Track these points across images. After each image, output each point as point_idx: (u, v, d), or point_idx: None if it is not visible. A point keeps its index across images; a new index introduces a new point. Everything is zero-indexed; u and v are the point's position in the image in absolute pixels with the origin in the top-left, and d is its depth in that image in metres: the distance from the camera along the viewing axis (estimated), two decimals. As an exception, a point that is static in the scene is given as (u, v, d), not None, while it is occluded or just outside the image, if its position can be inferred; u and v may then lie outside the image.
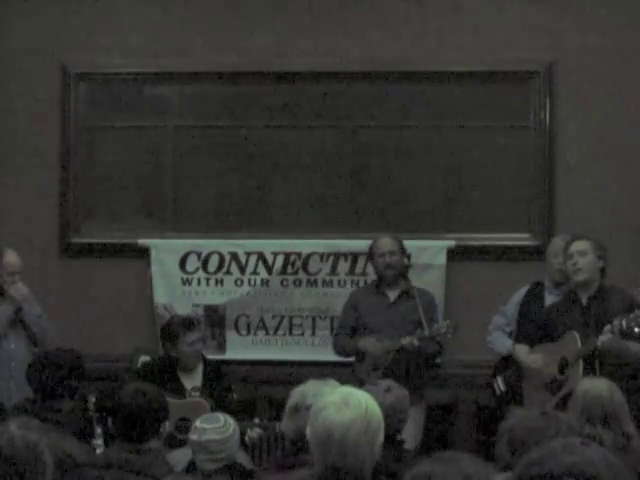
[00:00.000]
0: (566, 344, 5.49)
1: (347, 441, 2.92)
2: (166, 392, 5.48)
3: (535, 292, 6.21)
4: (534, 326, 5.79)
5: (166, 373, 5.84)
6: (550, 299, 6.10)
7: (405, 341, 6.01)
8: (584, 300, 5.62)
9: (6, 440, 2.93)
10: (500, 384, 6.03)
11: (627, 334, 5.26)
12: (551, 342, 5.61)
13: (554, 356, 5.53)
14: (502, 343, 6.18)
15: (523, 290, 6.28)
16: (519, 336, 5.92)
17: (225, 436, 4.42)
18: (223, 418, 4.52)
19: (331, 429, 2.93)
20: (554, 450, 2.18)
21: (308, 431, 3.03)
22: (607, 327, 5.30)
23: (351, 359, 6.29)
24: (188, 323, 5.97)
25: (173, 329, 5.92)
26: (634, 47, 6.98)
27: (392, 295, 6.28)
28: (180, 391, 5.80)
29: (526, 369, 5.76)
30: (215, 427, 4.44)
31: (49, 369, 4.61)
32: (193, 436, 4.42)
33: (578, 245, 5.63)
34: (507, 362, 6.02)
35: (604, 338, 5.29)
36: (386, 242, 6.30)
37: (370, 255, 6.41)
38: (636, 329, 5.24)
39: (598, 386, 4.17)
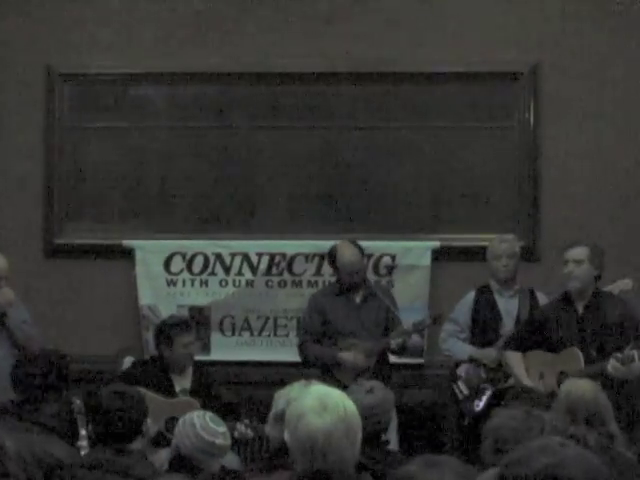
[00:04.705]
0: (567, 360, 5.49)
1: (330, 446, 2.91)
2: (156, 392, 5.51)
3: (484, 297, 6.21)
4: (527, 330, 5.79)
5: (157, 372, 5.84)
6: (501, 301, 6.17)
7: (394, 343, 6.02)
8: (580, 308, 5.63)
9: None
10: (462, 388, 6.06)
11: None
12: (549, 352, 5.61)
13: (552, 368, 5.53)
14: (461, 349, 6.18)
15: (470, 296, 6.26)
16: (510, 341, 5.89)
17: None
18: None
19: (313, 435, 2.91)
20: (531, 451, 2.20)
21: (287, 437, 3.01)
22: (619, 355, 5.28)
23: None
24: (184, 325, 5.99)
25: (169, 329, 5.92)
26: (616, 48, 7.01)
27: (357, 297, 6.24)
28: (170, 391, 5.81)
29: (516, 379, 5.75)
30: (227, 430, 4.44)
31: (34, 371, 4.59)
32: (217, 440, 4.37)
33: (574, 253, 5.63)
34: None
35: (612, 370, 5.27)
36: (352, 261, 6.13)
37: (331, 261, 6.30)
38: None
39: (581, 387, 4.18)
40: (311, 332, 6.26)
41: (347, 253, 6.17)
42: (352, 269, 6.15)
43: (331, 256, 6.28)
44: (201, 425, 4.42)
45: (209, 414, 4.56)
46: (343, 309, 6.21)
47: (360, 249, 6.22)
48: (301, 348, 6.31)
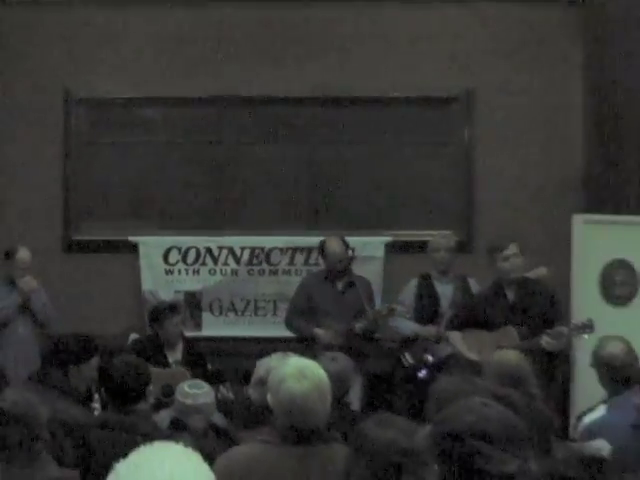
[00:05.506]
0: (503, 337, 5.50)
1: (307, 406, 2.95)
2: (152, 363, 5.52)
3: (426, 283, 6.23)
4: (464, 313, 5.81)
5: (153, 348, 5.87)
6: (440, 287, 6.19)
7: (357, 327, 6.08)
8: (510, 294, 5.65)
9: (10, 402, 3.10)
10: (408, 358, 6.09)
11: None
12: (485, 331, 5.62)
13: (490, 345, 5.48)
14: (407, 326, 6.15)
15: (414, 282, 6.26)
16: (451, 322, 5.91)
17: (212, 399, 4.43)
18: (204, 384, 4.51)
19: (293, 398, 2.95)
20: (457, 410, 2.20)
21: (270, 399, 3.05)
22: (549, 331, 5.37)
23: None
24: (172, 308, 6.04)
25: (160, 312, 5.98)
26: (541, 75, 7.06)
27: (340, 285, 6.28)
28: (164, 363, 5.84)
29: (461, 353, 5.75)
30: (205, 392, 4.43)
31: (66, 354, 4.56)
32: (187, 400, 4.37)
33: (514, 248, 5.64)
34: (411, 341, 6.11)
35: (545, 345, 5.36)
36: (337, 252, 6.22)
37: (322, 253, 6.37)
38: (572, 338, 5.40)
39: (508, 355, 4.24)
40: (295, 308, 6.35)
41: (333, 245, 6.25)
42: (336, 258, 6.22)
43: (321, 247, 6.36)
44: (178, 389, 4.47)
45: (192, 381, 4.58)
46: (327, 293, 6.25)
47: (345, 243, 6.29)
48: (286, 321, 6.41)
